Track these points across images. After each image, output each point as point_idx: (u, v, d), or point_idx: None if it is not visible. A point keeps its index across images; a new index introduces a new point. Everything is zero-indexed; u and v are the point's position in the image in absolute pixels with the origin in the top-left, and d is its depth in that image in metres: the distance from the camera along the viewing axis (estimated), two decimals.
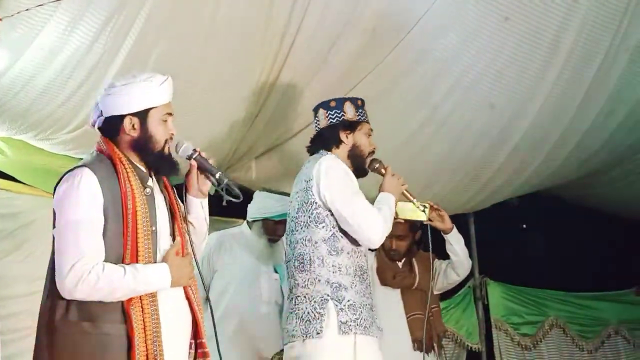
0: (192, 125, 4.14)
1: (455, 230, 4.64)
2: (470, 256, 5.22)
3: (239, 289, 4.51)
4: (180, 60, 3.83)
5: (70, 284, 2.64)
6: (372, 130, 3.87)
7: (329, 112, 3.85)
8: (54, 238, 2.85)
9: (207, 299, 4.49)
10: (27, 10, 3.23)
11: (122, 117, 2.89)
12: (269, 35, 3.94)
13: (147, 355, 2.67)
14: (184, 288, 2.90)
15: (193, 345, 2.91)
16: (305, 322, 3.45)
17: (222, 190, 2.97)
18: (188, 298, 2.91)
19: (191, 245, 2.99)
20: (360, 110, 3.86)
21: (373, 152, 3.87)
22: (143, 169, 2.92)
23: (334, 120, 3.83)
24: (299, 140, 4.92)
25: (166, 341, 2.73)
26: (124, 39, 3.57)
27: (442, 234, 4.66)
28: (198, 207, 3.07)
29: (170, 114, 2.96)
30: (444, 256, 4.94)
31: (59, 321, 2.69)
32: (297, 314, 3.50)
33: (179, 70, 3.85)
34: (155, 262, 2.80)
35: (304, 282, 3.55)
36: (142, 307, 2.71)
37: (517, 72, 4.36)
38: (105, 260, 2.71)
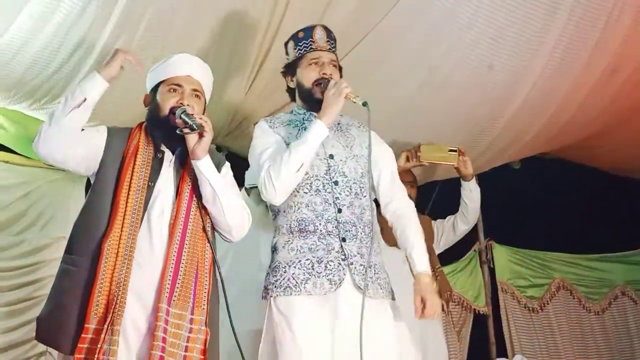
0: None
1: (474, 177, 4.80)
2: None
3: (238, 256, 4.48)
4: (172, 25, 3.80)
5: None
6: (319, 56, 3.41)
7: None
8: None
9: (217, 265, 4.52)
10: None
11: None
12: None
13: (108, 296, 2.77)
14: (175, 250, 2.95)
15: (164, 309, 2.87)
16: None
17: (185, 123, 3.00)
18: (177, 263, 2.94)
19: (206, 232, 3.10)
20: (300, 44, 3.46)
21: (323, 78, 3.37)
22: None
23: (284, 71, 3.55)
24: None
25: (133, 289, 2.83)
26: (115, 4, 3.53)
27: (462, 180, 4.85)
28: (197, 172, 3.05)
29: (179, 85, 3.13)
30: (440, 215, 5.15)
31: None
32: None
33: (170, 35, 3.83)
34: (143, 215, 2.93)
35: None
36: (117, 250, 2.83)
37: (517, 32, 4.29)
38: (98, 203, 2.95)
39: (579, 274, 6.61)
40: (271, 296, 3.21)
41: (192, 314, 2.93)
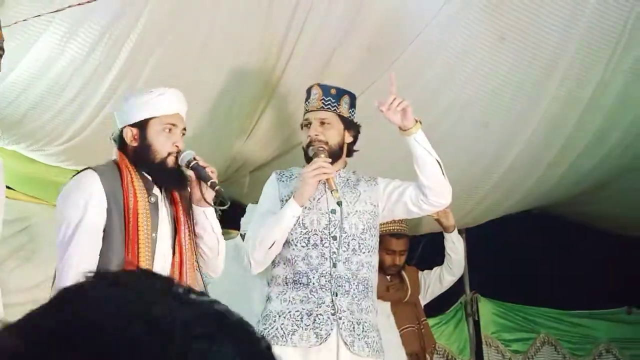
0: (185, 138, 4.11)
1: (456, 229, 4.83)
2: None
3: (231, 303, 4.40)
4: (175, 72, 3.81)
5: None
6: (307, 118, 3.53)
7: None
8: None
9: None
10: (24, 20, 3.24)
11: (124, 129, 2.98)
12: (265, 51, 3.93)
13: None
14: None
15: None
16: None
17: (197, 174, 2.97)
18: None
19: (197, 261, 3.07)
20: (306, 102, 3.57)
21: (313, 141, 3.47)
22: (149, 178, 2.97)
23: None
24: (294, 155, 4.91)
25: None
26: (120, 50, 3.57)
27: (444, 231, 4.86)
28: (202, 217, 3.06)
29: (174, 125, 2.98)
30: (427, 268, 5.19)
31: None
32: None
33: (173, 82, 3.84)
34: (153, 268, 2.82)
35: None
36: None
37: (513, 92, 4.34)
38: (108, 260, 2.77)
39: (564, 330, 6.61)
40: None
41: None
